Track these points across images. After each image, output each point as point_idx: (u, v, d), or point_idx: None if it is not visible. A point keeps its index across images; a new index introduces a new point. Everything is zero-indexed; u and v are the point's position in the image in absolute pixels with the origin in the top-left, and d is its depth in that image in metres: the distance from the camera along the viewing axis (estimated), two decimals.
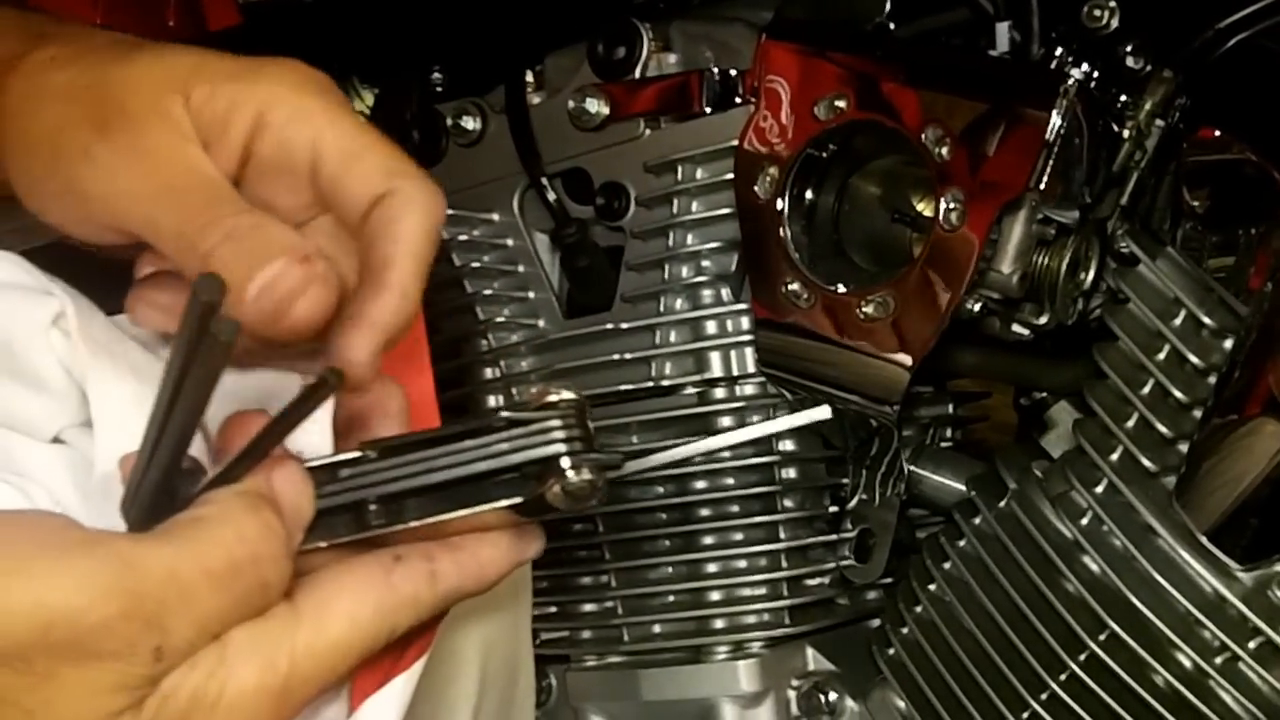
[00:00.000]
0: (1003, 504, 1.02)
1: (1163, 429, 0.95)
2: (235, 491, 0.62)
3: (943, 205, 0.95)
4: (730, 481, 1.11)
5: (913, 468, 1.10)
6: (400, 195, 0.69)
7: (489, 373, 1.18)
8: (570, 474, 0.65)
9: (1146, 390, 0.96)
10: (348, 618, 0.63)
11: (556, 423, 0.66)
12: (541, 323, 1.17)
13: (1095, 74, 0.97)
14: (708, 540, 1.12)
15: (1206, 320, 0.95)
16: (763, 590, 1.11)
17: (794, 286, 1.02)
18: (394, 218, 0.69)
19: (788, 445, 1.11)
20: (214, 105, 0.69)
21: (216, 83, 0.69)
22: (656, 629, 1.15)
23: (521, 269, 1.17)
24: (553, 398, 0.67)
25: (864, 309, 0.99)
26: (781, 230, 1.02)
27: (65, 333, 0.69)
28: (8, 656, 0.56)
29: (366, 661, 0.68)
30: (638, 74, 1.10)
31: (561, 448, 0.65)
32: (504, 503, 0.66)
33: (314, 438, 0.67)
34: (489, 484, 0.66)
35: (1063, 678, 0.97)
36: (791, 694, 1.11)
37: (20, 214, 1.18)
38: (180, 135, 0.69)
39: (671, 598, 1.14)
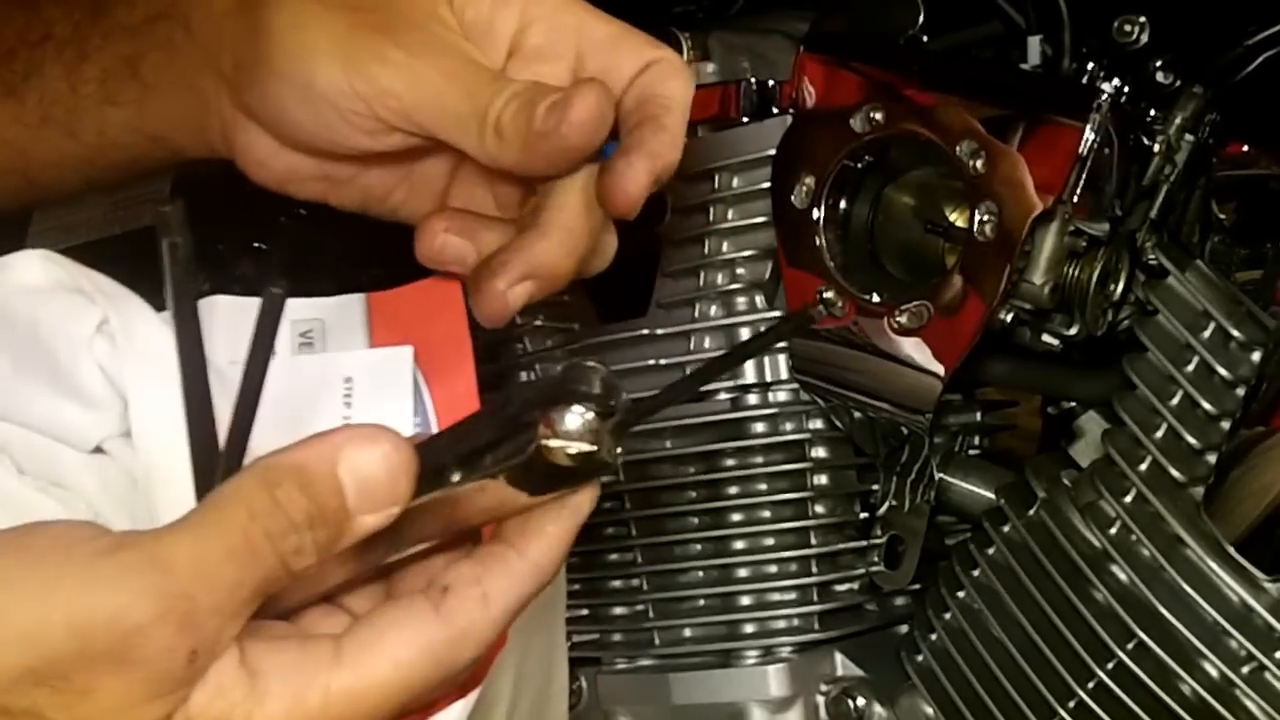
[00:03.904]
0: (1032, 513, 1.03)
1: (1191, 440, 0.96)
2: (254, 466, 0.59)
3: (977, 217, 0.96)
4: (762, 487, 1.12)
5: (942, 475, 1.10)
6: (664, 63, 0.76)
7: (525, 376, 1.19)
8: (566, 419, 0.60)
9: (1175, 401, 0.97)
10: (390, 660, 0.60)
11: (569, 379, 0.61)
12: (578, 327, 1.18)
13: (1126, 89, 0.98)
14: (739, 545, 1.13)
15: (1235, 333, 0.95)
16: (793, 595, 1.12)
17: (828, 295, 1.02)
18: (664, 78, 0.75)
19: (819, 452, 1.12)
20: (476, 7, 0.76)
21: None
22: (687, 633, 1.16)
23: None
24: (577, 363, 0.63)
25: (898, 319, 1.00)
26: (816, 239, 1.03)
27: (109, 337, 0.70)
28: (46, 674, 0.55)
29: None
30: None
31: (567, 392, 0.61)
32: (502, 468, 0.61)
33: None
34: (497, 455, 0.61)
35: (1090, 686, 0.98)
36: (820, 699, 1.12)
37: (60, 212, 1.21)
38: (455, 37, 0.75)
39: (702, 602, 1.15)
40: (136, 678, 0.55)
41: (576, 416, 0.60)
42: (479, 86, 0.73)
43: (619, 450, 0.62)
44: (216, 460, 0.62)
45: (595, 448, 0.61)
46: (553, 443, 0.60)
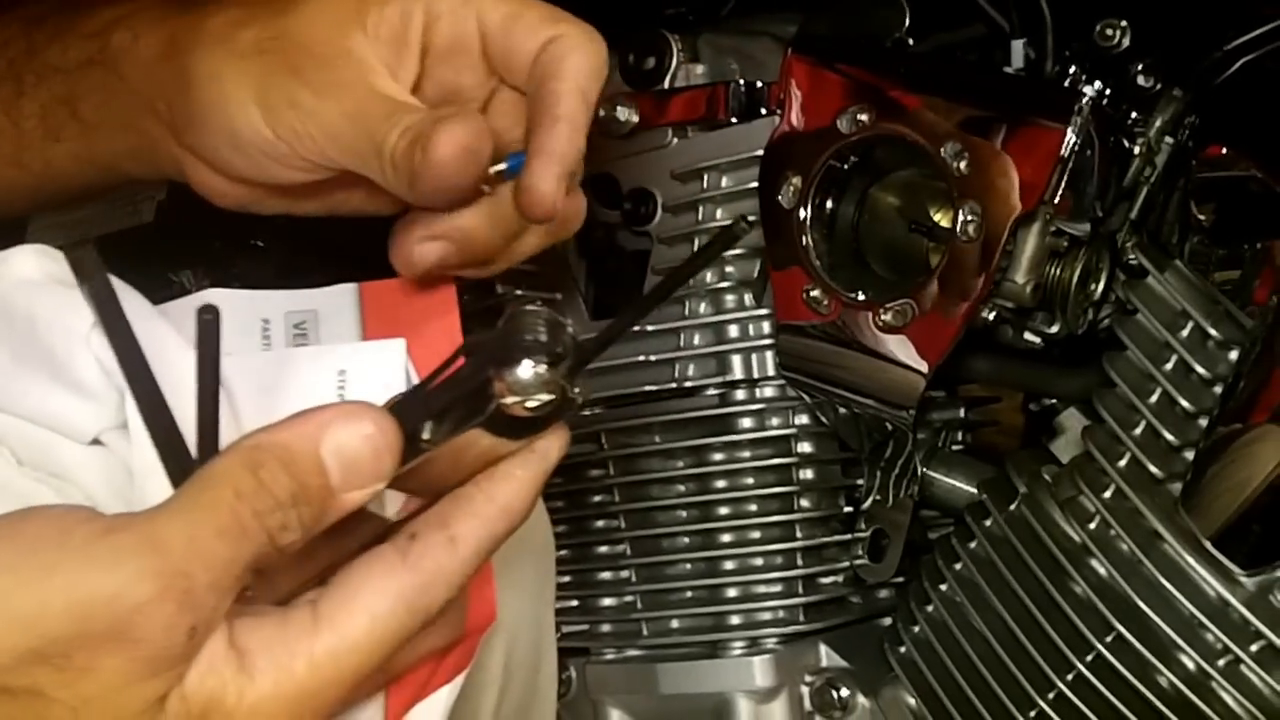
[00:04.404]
0: (1013, 507, 1.04)
1: (1169, 437, 0.97)
2: (238, 447, 0.60)
3: (961, 217, 0.96)
4: (749, 481, 1.13)
5: (925, 470, 1.11)
6: (564, 39, 0.76)
7: None
8: (519, 374, 0.61)
9: (1154, 399, 0.98)
10: (367, 614, 0.61)
11: (521, 324, 0.63)
12: (568, 323, 1.18)
13: (1107, 92, 0.99)
14: (726, 538, 1.14)
15: (1213, 332, 0.96)
16: (778, 588, 1.13)
17: (815, 293, 1.03)
18: (560, 57, 0.76)
19: (805, 447, 1.12)
20: (389, 23, 0.77)
21: (383, 2, 0.77)
22: (674, 624, 1.17)
23: (550, 270, 1.19)
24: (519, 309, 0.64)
25: (883, 317, 1.01)
26: (803, 238, 1.03)
27: (103, 332, 0.70)
28: (48, 654, 0.55)
29: (400, 676, 0.69)
30: (667, 84, 1.11)
31: (519, 345, 0.62)
32: (467, 427, 0.63)
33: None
34: (468, 399, 0.63)
35: (1069, 678, 0.99)
36: (805, 690, 1.13)
37: (60, 209, 1.21)
38: (362, 69, 0.76)
39: (690, 594, 1.16)
40: (137, 655, 0.56)
41: (528, 370, 0.61)
42: (375, 123, 0.74)
43: (578, 389, 0.63)
44: (188, 462, 0.64)
45: (553, 396, 0.62)
46: (510, 399, 0.62)
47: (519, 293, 1.18)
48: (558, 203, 0.74)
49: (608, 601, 1.20)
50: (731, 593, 1.14)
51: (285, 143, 0.76)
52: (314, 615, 0.61)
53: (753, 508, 1.13)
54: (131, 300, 0.72)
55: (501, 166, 0.75)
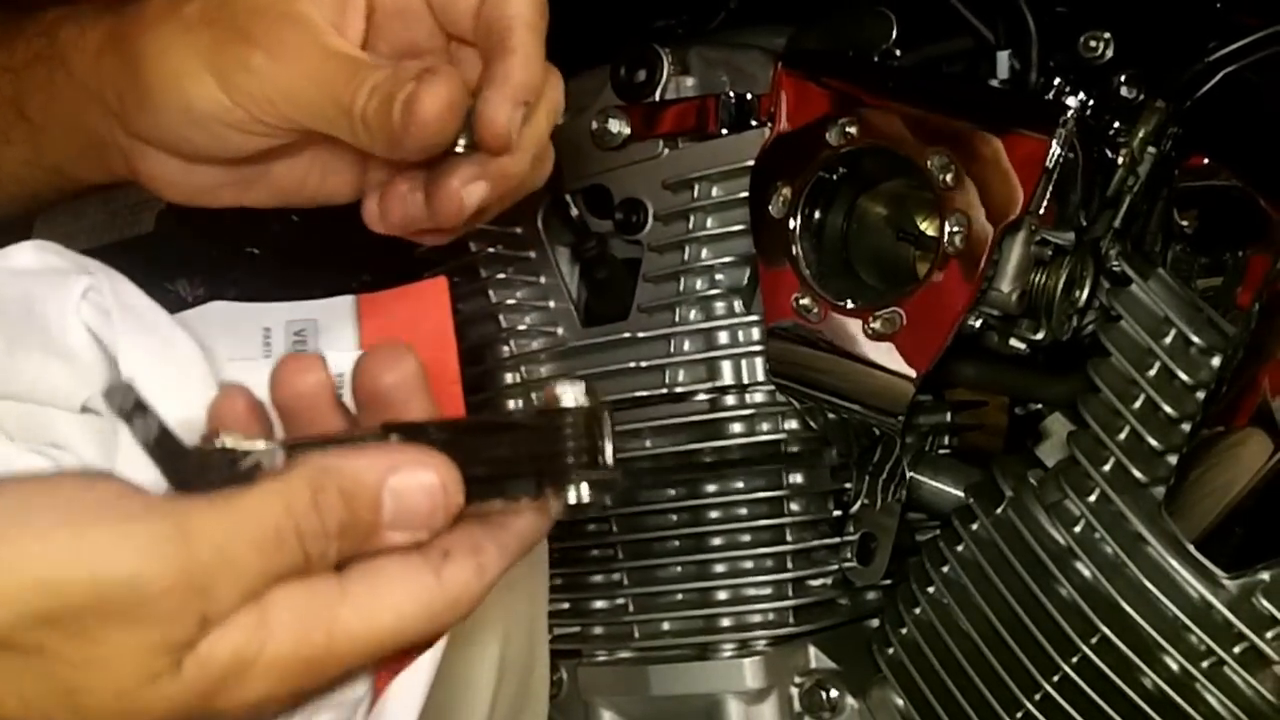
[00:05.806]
0: (999, 511, 1.05)
1: (1153, 441, 0.98)
2: (307, 463, 0.62)
3: (947, 228, 0.97)
4: (739, 485, 1.14)
5: (913, 474, 1.12)
6: None
7: (510, 378, 1.21)
8: (570, 491, 0.65)
9: (1137, 404, 0.99)
10: (394, 612, 0.62)
11: (567, 432, 0.66)
12: (561, 331, 1.19)
13: (1091, 102, 1.00)
14: (716, 541, 1.15)
15: (1195, 338, 0.97)
16: (768, 590, 1.14)
17: (804, 301, 1.04)
18: (505, 1, 0.77)
19: (794, 451, 1.14)
20: None
21: None
22: (665, 626, 1.17)
23: (543, 280, 1.20)
24: (569, 401, 0.66)
25: (872, 324, 1.01)
26: (793, 247, 1.04)
27: (95, 304, 0.72)
28: (62, 619, 0.56)
29: None
30: (657, 96, 1.12)
31: (567, 460, 0.65)
32: (509, 501, 0.66)
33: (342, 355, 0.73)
34: (498, 479, 0.66)
35: (1055, 678, 0.99)
36: (794, 691, 1.14)
37: (61, 220, 1.22)
38: (312, 30, 0.76)
39: (680, 596, 1.17)
40: (147, 633, 0.57)
41: (575, 491, 0.65)
42: (340, 83, 0.75)
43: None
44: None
45: (593, 503, 0.65)
46: (555, 510, 0.66)
47: (511, 301, 1.19)
48: (514, 132, 0.75)
49: (599, 604, 1.21)
50: (722, 595, 1.15)
51: (242, 108, 0.77)
52: (341, 589, 0.62)
53: (743, 511, 1.14)
54: (139, 303, 0.74)
55: None
